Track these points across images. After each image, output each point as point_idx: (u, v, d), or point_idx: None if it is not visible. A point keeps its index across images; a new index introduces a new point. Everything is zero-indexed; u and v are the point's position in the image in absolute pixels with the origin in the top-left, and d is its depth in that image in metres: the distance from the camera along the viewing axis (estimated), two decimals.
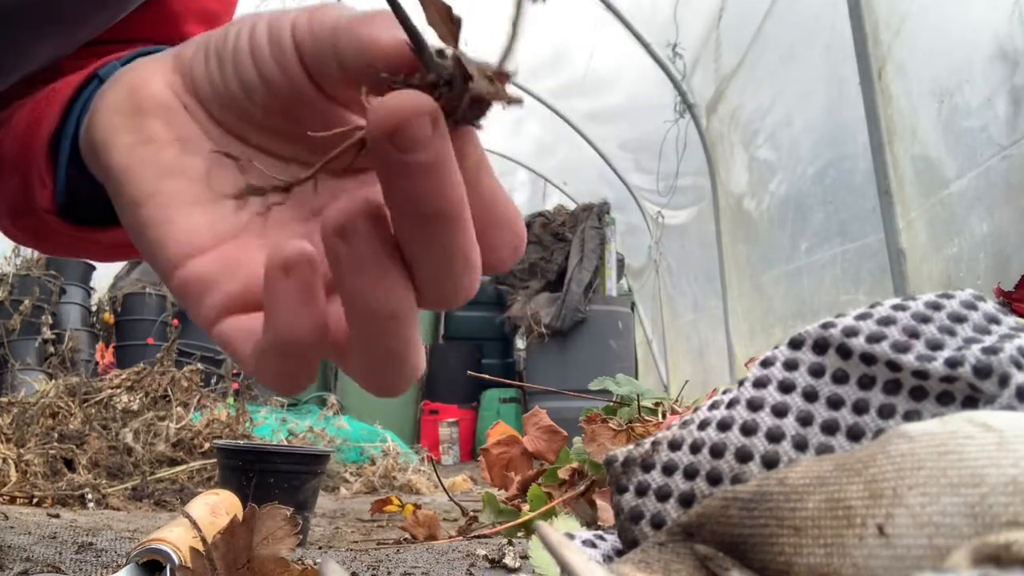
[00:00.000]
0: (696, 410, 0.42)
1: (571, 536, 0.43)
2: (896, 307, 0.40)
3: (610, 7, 3.84)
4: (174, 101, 0.36)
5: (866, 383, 0.39)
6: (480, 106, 0.28)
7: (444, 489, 1.48)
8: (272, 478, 1.17)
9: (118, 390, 2.29)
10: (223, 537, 0.53)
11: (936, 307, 0.40)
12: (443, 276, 0.30)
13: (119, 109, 0.36)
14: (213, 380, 3.66)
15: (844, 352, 0.40)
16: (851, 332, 0.40)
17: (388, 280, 0.29)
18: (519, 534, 1.03)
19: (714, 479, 0.39)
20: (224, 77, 0.34)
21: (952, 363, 0.37)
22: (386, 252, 0.28)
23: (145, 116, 0.35)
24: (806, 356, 0.41)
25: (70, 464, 1.83)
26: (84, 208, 0.47)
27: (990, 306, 0.40)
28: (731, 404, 0.41)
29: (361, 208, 0.28)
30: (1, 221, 0.54)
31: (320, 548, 1.14)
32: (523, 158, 6.27)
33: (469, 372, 1.75)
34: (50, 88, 0.49)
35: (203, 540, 0.53)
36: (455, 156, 0.28)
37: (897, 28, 2.03)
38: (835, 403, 0.39)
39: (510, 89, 0.28)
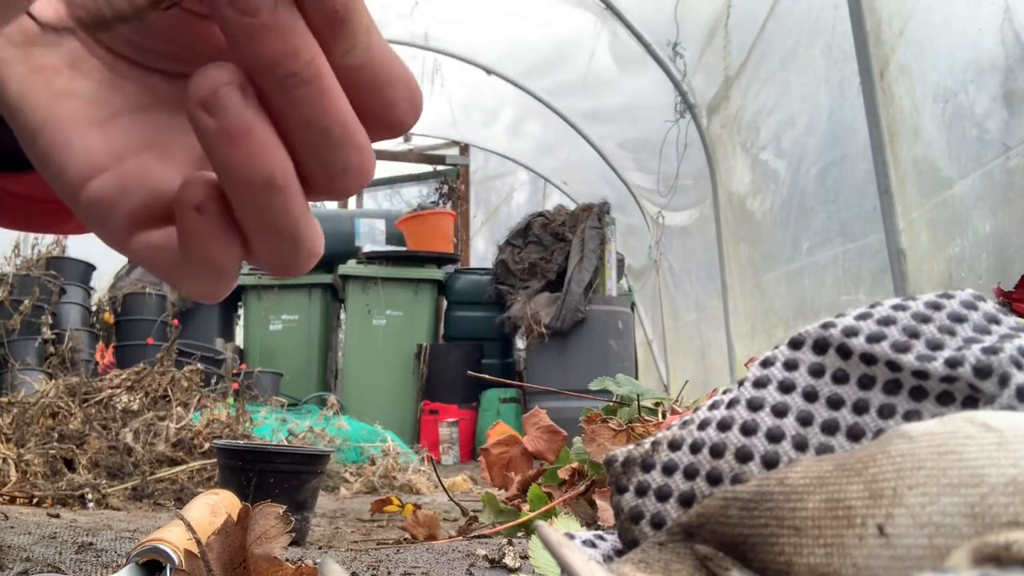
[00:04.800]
0: (696, 410, 0.42)
1: (571, 536, 0.43)
2: (896, 307, 0.40)
3: (610, 7, 3.84)
4: (63, 26, 0.35)
5: (866, 383, 0.39)
6: None
7: (444, 489, 1.48)
8: (272, 478, 1.16)
9: (118, 390, 2.29)
10: (217, 537, 0.53)
11: (936, 307, 0.40)
12: (322, 148, 0.30)
13: (11, 40, 0.36)
14: (213, 380, 3.66)
15: (844, 352, 0.40)
16: (851, 332, 0.39)
17: (258, 146, 0.28)
18: (519, 534, 1.03)
19: (714, 479, 0.39)
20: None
21: (952, 363, 0.36)
22: (256, 119, 0.28)
23: (34, 44, 0.35)
24: (806, 356, 0.41)
25: (70, 464, 1.83)
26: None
27: (990, 306, 0.40)
28: (731, 404, 0.41)
29: (224, 77, 0.28)
30: None
31: (320, 548, 1.14)
32: (523, 158, 6.27)
33: (469, 372, 1.75)
34: None
35: (197, 541, 0.52)
36: (341, 14, 0.28)
37: (901, 28, 2.03)
38: (835, 403, 0.39)
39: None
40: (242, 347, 5.27)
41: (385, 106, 0.32)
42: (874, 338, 0.39)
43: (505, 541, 0.91)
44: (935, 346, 0.38)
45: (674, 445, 0.41)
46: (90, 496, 1.60)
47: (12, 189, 0.49)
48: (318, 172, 0.31)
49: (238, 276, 0.34)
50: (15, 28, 0.36)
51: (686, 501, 0.39)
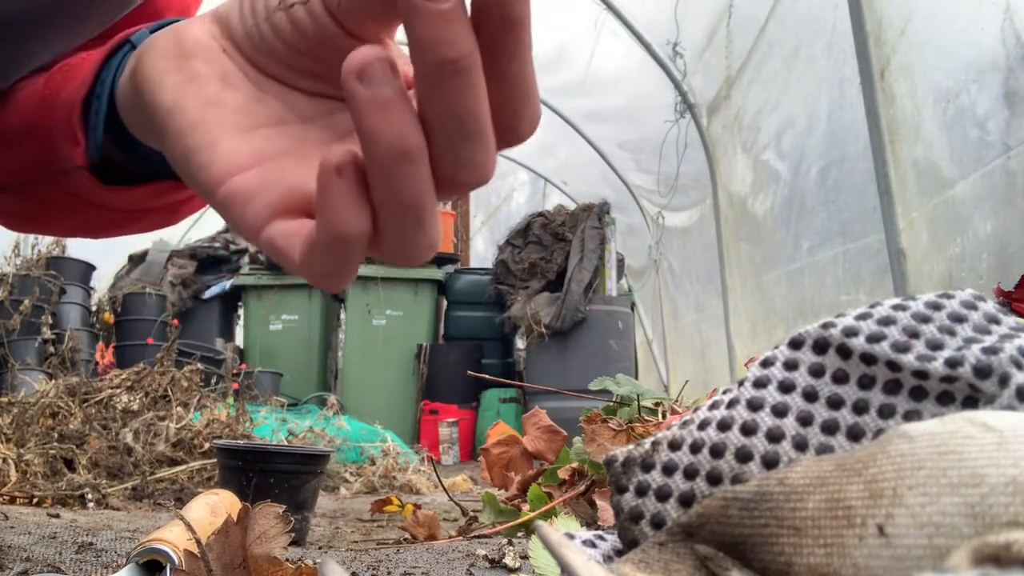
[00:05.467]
0: (696, 410, 0.42)
1: (571, 536, 0.43)
2: (896, 307, 0.40)
3: (610, 7, 3.83)
4: (214, 45, 0.40)
5: (866, 383, 0.39)
6: None
7: (444, 489, 1.48)
8: (272, 478, 1.16)
9: (118, 390, 2.29)
10: (217, 537, 0.53)
11: (936, 307, 0.40)
12: (455, 136, 0.32)
13: (166, 54, 0.41)
14: (213, 380, 3.66)
15: (844, 352, 0.40)
16: (851, 332, 0.39)
17: (401, 119, 0.31)
18: (519, 534, 1.03)
19: (714, 479, 0.39)
20: (256, 22, 0.39)
21: (952, 363, 0.36)
22: (402, 95, 0.31)
23: (189, 58, 0.40)
24: (806, 356, 0.41)
25: (70, 464, 1.83)
26: (110, 173, 0.52)
27: (990, 306, 0.40)
28: (731, 404, 0.41)
29: (377, 54, 0.31)
30: None
31: (320, 548, 1.14)
32: (523, 158, 6.26)
33: (469, 372, 1.75)
34: (64, 64, 0.55)
35: (198, 541, 0.52)
36: (516, 21, 0.32)
37: (902, 28, 2.02)
38: (835, 403, 0.39)
39: None
40: (242, 347, 5.27)
41: (515, 118, 0.35)
42: (874, 338, 0.39)
43: (505, 541, 0.90)
44: (935, 346, 0.38)
45: (674, 445, 0.41)
46: (90, 496, 1.60)
47: (113, 204, 0.55)
48: (446, 162, 0.33)
49: (358, 268, 0.36)
50: (171, 42, 0.41)
51: (686, 501, 0.39)
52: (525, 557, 0.79)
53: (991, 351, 0.36)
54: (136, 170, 0.53)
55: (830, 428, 0.38)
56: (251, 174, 0.38)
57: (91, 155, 0.51)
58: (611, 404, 1.15)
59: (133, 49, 0.49)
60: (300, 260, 0.35)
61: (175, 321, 4.76)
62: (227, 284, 5.22)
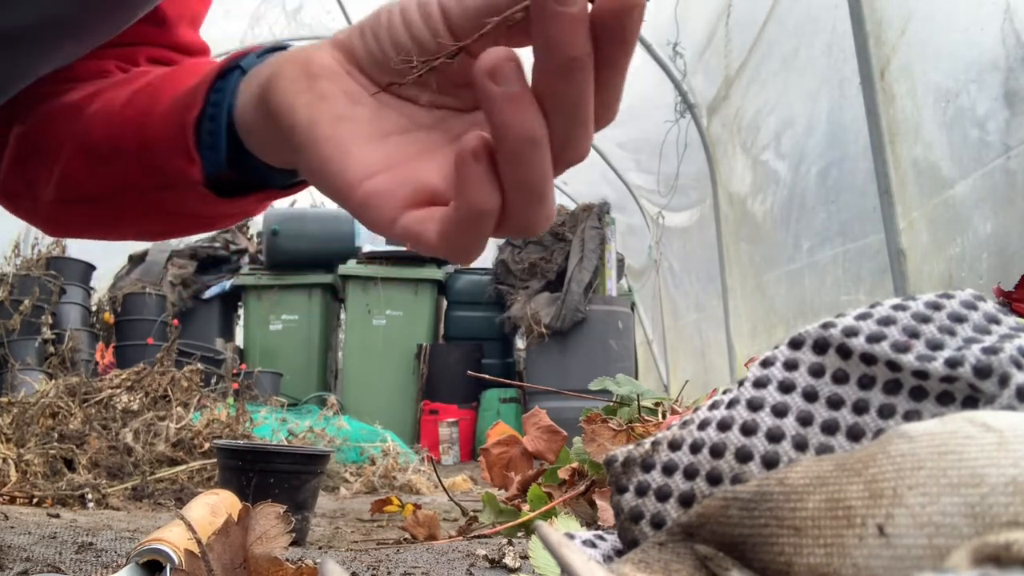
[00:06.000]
0: (696, 410, 0.42)
1: (571, 536, 0.43)
2: (896, 307, 0.40)
3: None
4: (339, 68, 0.46)
5: (866, 383, 0.39)
6: None
7: (444, 489, 1.48)
8: (272, 478, 1.16)
9: (118, 390, 2.29)
10: (218, 537, 0.53)
11: (936, 307, 0.40)
12: (570, 122, 0.38)
13: (296, 78, 0.46)
14: (213, 380, 3.65)
15: (844, 352, 0.40)
16: (851, 332, 0.39)
17: (529, 110, 0.37)
18: (519, 534, 1.03)
19: (714, 479, 0.39)
20: (381, 46, 0.45)
21: (952, 363, 0.36)
22: (526, 91, 0.37)
23: (318, 79, 0.46)
24: (806, 356, 0.41)
25: (70, 464, 1.83)
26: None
27: (990, 306, 0.40)
28: (731, 404, 0.41)
29: (506, 55, 0.36)
30: (51, 206, 0.66)
31: (320, 548, 1.14)
32: None
33: (469, 372, 1.75)
34: (146, 85, 0.61)
35: (198, 541, 0.52)
36: (630, 36, 0.37)
37: (902, 28, 2.02)
38: (835, 403, 0.39)
39: None
40: (242, 347, 5.27)
41: (606, 110, 0.41)
42: (874, 338, 0.39)
43: (505, 541, 0.90)
44: (935, 346, 0.38)
45: (674, 445, 0.41)
46: (90, 496, 1.60)
47: (214, 212, 0.61)
48: (557, 144, 0.39)
49: (487, 241, 0.41)
50: (299, 68, 0.47)
51: (686, 501, 0.39)
52: (525, 557, 0.79)
53: (991, 351, 0.36)
54: (236, 181, 0.58)
55: (830, 428, 0.38)
56: (382, 176, 0.43)
57: (207, 172, 0.56)
58: (611, 404, 1.15)
59: (243, 74, 0.54)
60: (437, 239, 0.41)
61: (175, 321, 4.75)
62: (227, 284, 5.22)
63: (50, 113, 0.65)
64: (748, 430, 0.39)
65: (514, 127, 0.37)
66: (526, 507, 1.06)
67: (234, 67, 0.56)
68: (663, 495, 0.40)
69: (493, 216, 0.39)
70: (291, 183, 0.60)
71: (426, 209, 0.42)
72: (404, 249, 5.15)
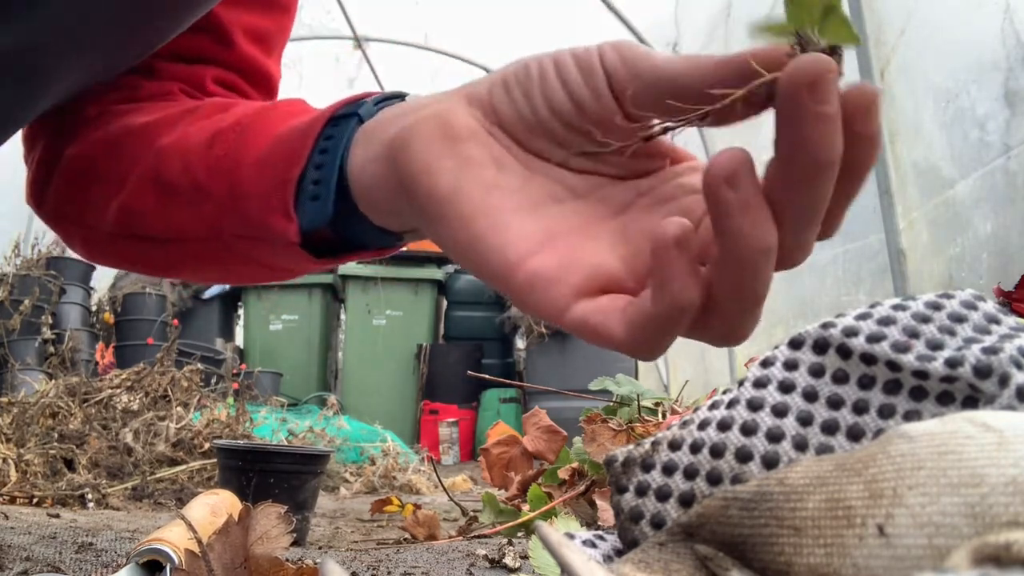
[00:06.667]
0: (696, 410, 0.42)
1: (571, 536, 0.43)
2: (896, 307, 0.40)
3: (610, 7, 3.84)
4: (481, 129, 0.41)
5: (866, 383, 0.39)
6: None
7: (444, 489, 1.48)
8: (272, 478, 1.16)
9: (118, 390, 2.29)
10: (218, 537, 0.53)
11: (936, 307, 0.40)
12: (803, 225, 0.34)
13: (434, 139, 0.41)
14: (213, 380, 3.65)
15: (844, 352, 0.40)
16: (851, 332, 0.39)
17: (766, 220, 0.33)
18: (519, 534, 1.03)
19: (714, 479, 0.39)
20: (532, 105, 0.40)
21: (952, 363, 0.36)
22: (760, 198, 0.33)
23: (462, 142, 0.41)
24: (806, 356, 0.41)
25: (70, 464, 1.83)
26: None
27: (990, 306, 0.40)
28: (731, 404, 0.41)
29: (743, 158, 0.33)
30: (108, 238, 0.60)
31: (320, 548, 1.14)
32: None
33: (469, 372, 1.75)
34: (235, 123, 0.55)
35: (199, 541, 0.52)
36: (875, 137, 0.34)
37: (902, 28, 2.02)
38: (835, 403, 0.39)
39: None
40: (242, 347, 5.27)
41: (832, 220, 0.37)
42: (874, 338, 0.39)
43: (505, 541, 0.90)
44: (935, 346, 0.38)
45: (674, 445, 0.41)
46: (90, 496, 1.60)
47: (303, 269, 0.57)
48: (784, 247, 0.35)
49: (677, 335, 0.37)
50: (438, 127, 0.41)
51: (686, 501, 0.39)
52: (525, 557, 0.79)
53: (991, 351, 0.36)
54: (330, 239, 0.52)
55: (830, 428, 0.38)
56: (547, 256, 0.38)
57: (303, 228, 0.50)
58: (611, 404, 1.15)
59: (360, 122, 0.49)
60: (624, 334, 0.36)
61: (175, 321, 4.75)
62: (227, 284, 5.22)
63: (114, 137, 0.60)
64: (748, 430, 0.39)
65: (750, 238, 0.33)
66: (526, 507, 1.06)
67: (350, 114, 0.50)
68: (663, 495, 0.40)
69: (693, 313, 0.35)
70: (388, 244, 0.54)
71: (606, 298, 0.38)
72: (404, 249, 5.14)
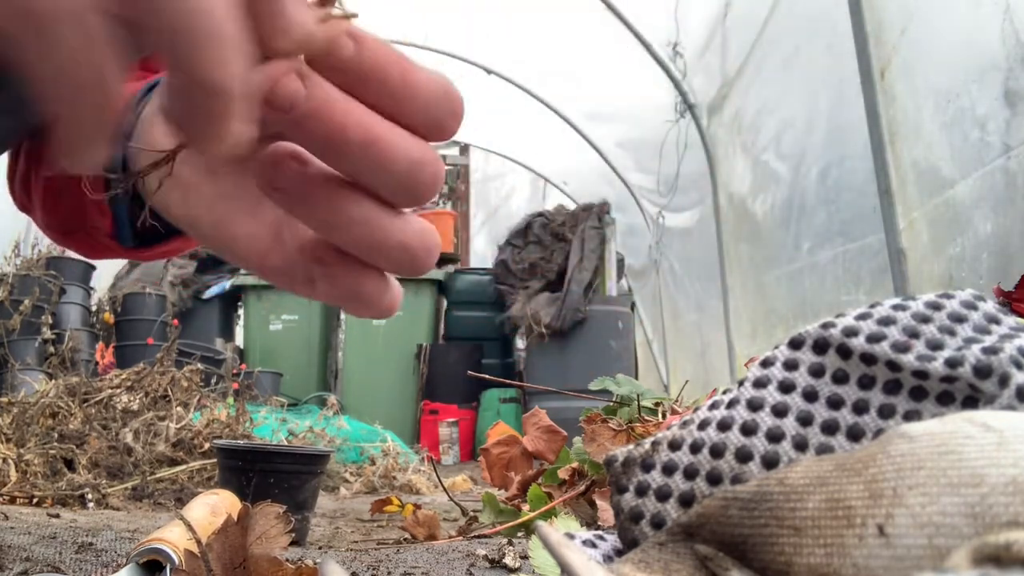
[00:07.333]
0: (696, 410, 0.42)
1: (571, 536, 0.43)
2: (896, 307, 0.40)
3: (610, 7, 3.83)
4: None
5: (866, 383, 0.39)
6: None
7: (444, 489, 1.48)
8: (272, 478, 1.16)
9: (118, 390, 2.29)
10: (218, 537, 0.53)
11: (936, 307, 0.40)
12: (386, 179, 0.34)
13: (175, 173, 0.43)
14: (213, 380, 3.65)
15: (844, 352, 0.40)
16: (851, 332, 0.39)
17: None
18: (519, 534, 1.03)
19: (714, 479, 0.39)
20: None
21: (952, 363, 0.36)
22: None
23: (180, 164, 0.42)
24: (806, 356, 0.41)
25: (70, 464, 1.83)
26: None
27: (990, 306, 0.40)
28: (731, 404, 0.41)
29: (286, 152, 0.33)
30: (53, 234, 0.65)
31: (320, 548, 1.14)
32: (523, 158, 6.26)
33: (469, 372, 1.75)
34: None
35: (198, 541, 0.52)
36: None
37: (902, 28, 2.02)
38: (835, 403, 0.39)
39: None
40: (242, 347, 5.27)
41: (415, 115, 0.35)
42: (874, 338, 0.39)
43: (505, 541, 0.90)
44: (935, 346, 0.38)
45: (674, 445, 0.41)
46: (90, 496, 1.60)
47: (145, 255, 0.59)
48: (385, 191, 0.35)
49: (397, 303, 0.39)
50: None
51: (686, 501, 0.39)
52: (525, 557, 0.79)
53: (991, 351, 0.36)
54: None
55: (830, 428, 0.38)
56: (277, 255, 0.40)
57: (120, 220, 0.53)
58: (611, 404, 1.15)
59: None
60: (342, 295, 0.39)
61: (175, 321, 4.76)
62: (227, 284, 5.22)
63: None
64: (748, 430, 0.39)
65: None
66: (526, 507, 1.06)
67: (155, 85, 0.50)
68: (663, 495, 0.40)
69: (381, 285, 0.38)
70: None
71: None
72: None
